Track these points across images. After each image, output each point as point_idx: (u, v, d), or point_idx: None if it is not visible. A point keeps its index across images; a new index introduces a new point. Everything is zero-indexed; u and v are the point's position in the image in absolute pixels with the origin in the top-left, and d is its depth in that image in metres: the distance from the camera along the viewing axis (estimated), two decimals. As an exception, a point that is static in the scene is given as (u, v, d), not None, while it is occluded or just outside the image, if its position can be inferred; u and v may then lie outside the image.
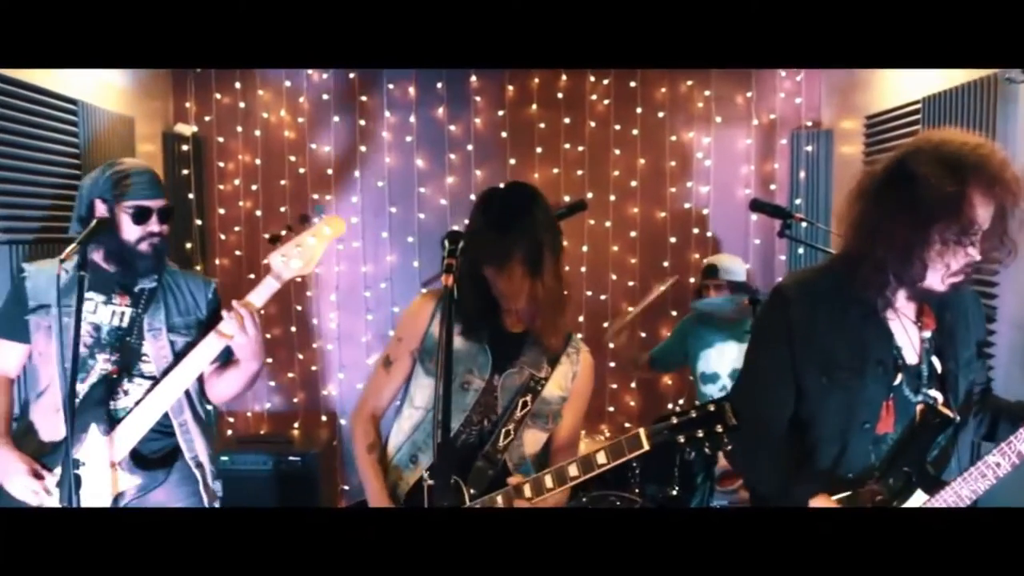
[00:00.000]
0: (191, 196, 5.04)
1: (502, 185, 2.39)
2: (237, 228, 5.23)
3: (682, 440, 1.97)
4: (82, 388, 2.61)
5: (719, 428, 1.93)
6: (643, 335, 5.14)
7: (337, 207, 5.18)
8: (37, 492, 2.56)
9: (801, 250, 4.85)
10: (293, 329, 5.28)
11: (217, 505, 2.90)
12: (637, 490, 3.86)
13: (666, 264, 5.16)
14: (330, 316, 5.29)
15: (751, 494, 2.42)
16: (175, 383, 2.64)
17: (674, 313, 5.11)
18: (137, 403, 2.64)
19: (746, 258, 5.11)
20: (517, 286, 2.23)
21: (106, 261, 2.67)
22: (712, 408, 1.94)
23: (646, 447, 2.00)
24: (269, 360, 5.26)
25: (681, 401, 5.23)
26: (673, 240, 5.18)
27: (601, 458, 2.07)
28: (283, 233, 2.64)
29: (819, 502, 2.04)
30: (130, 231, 2.64)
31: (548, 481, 2.14)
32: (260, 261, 5.05)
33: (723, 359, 4.26)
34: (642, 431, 2.01)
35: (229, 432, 5.29)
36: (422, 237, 5.20)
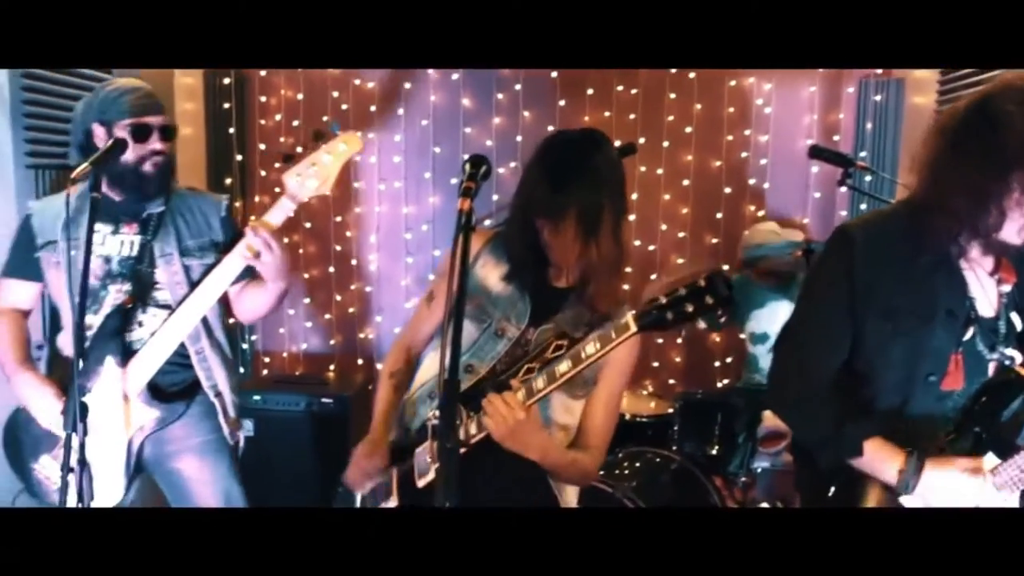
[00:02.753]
0: (231, 131, 4.94)
1: (569, 130, 2.18)
2: (278, 165, 5.08)
3: (670, 317, 1.73)
4: (95, 320, 2.54)
5: (709, 300, 1.70)
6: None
7: (380, 145, 5.05)
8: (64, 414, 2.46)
9: (864, 205, 4.60)
10: (331, 270, 5.18)
11: (242, 440, 2.81)
12: (675, 447, 3.73)
13: (719, 216, 4.95)
14: (370, 258, 5.18)
15: (797, 453, 2.25)
16: (193, 309, 2.55)
17: (726, 267, 4.89)
18: (153, 333, 2.55)
19: (804, 213, 4.92)
20: (569, 246, 2.05)
21: (110, 188, 2.57)
22: (702, 282, 1.71)
23: (633, 329, 1.79)
24: (307, 300, 5.24)
25: (730, 360, 5.04)
26: (728, 191, 4.95)
27: (590, 348, 1.87)
28: (298, 151, 2.53)
29: (875, 445, 1.90)
30: (131, 151, 2.53)
31: (540, 382, 1.94)
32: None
33: (774, 318, 4.12)
34: (629, 314, 1.80)
35: (264, 372, 5.26)
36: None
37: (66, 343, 2.62)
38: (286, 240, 5.07)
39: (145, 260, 2.57)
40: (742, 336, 4.70)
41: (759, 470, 3.59)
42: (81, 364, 2.47)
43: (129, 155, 2.52)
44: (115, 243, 2.58)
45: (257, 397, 4.47)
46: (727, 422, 3.68)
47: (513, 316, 2.18)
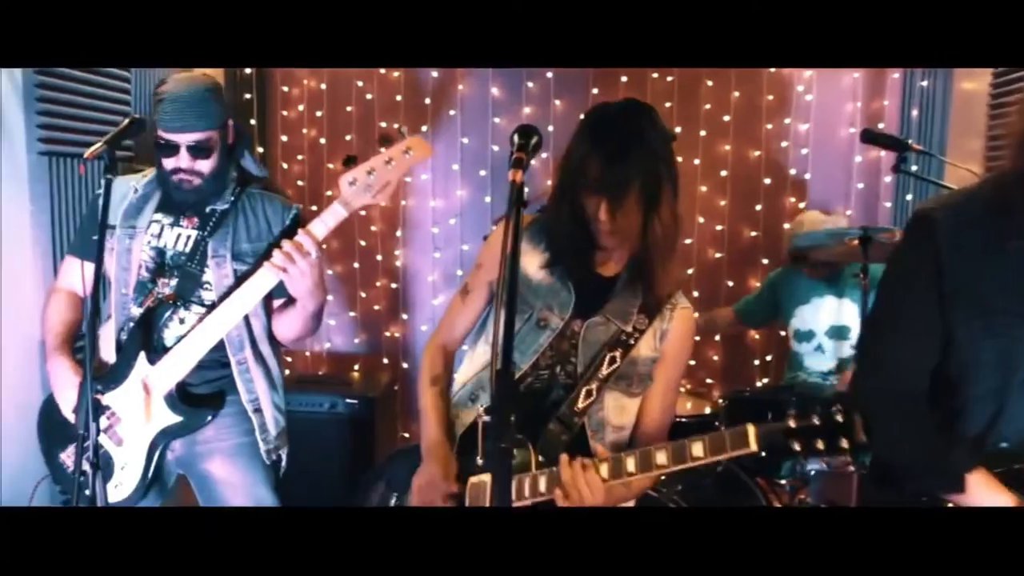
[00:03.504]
0: (253, 122, 4.80)
1: (610, 103, 2.02)
2: (300, 157, 5.00)
3: (797, 448, 1.65)
4: (137, 313, 2.43)
5: (843, 443, 1.60)
6: (729, 283, 4.76)
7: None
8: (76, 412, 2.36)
9: (910, 195, 4.41)
10: (356, 265, 5.05)
11: (283, 459, 2.64)
12: None
13: (758, 208, 4.75)
14: (395, 253, 5.04)
15: (875, 470, 2.03)
16: (225, 314, 2.40)
17: (765, 261, 4.73)
18: (186, 333, 2.42)
19: (847, 204, 4.74)
20: (626, 224, 1.89)
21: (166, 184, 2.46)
22: (839, 417, 1.61)
23: (753, 448, 1.68)
24: (330, 298, 5.04)
25: (769, 358, 4.85)
26: (767, 182, 4.76)
27: (697, 449, 1.74)
28: (357, 158, 2.35)
29: (979, 479, 1.68)
30: (163, 162, 2.41)
31: (630, 464, 1.81)
32: (324, 192, 4.91)
33: (819, 315, 3.94)
34: (751, 428, 1.69)
35: (287, 372, 5.04)
36: (495, 170, 4.86)
37: (107, 335, 2.50)
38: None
39: (196, 258, 2.45)
40: (783, 333, 4.54)
41: (812, 472, 3.39)
42: (113, 357, 2.45)
43: (166, 164, 2.42)
44: (172, 236, 2.47)
45: None
46: (777, 421, 3.46)
47: (556, 306, 2.03)
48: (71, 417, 2.39)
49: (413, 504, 2.06)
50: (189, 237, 2.46)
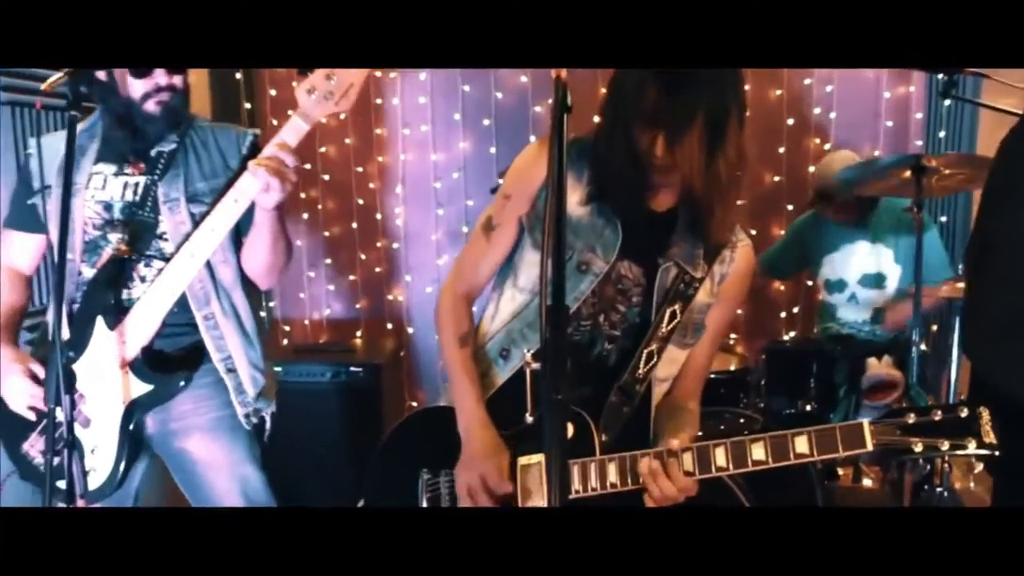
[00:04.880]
0: (238, 76, 4.53)
1: None
2: (290, 113, 4.67)
3: (919, 449, 1.49)
4: (89, 275, 2.17)
5: (971, 444, 1.45)
6: (752, 232, 4.48)
7: (403, 86, 4.62)
8: (34, 396, 2.14)
9: (943, 132, 4.13)
10: (354, 226, 4.80)
11: (268, 420, 2.39)
12: (761, 404, 3.31)
13: (781, 150, 4.46)
14: (395, 211, 4.78)
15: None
16: (187, 260, 2.13)
17: (790, 207, 4.45)
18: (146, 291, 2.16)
19: (875, 144, 4.46)
20: (686, 161, 1.63)
21: (113, 128, 2.20)
22: (964, 412, 1.46)
23: (868, 447, 1.51)
24: (328, 261, 4.86)
25: (796, 309, 4.58)
26: (790, 122, 4.45)
27: (801, 445, 1.55)
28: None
29: None
30: (132, 86, 2.14)
31: (719, 457, 1.60)
32: (317, 149, 4.63)
33: (851, 263, 3.68)
34: (866, 425, 1.51)
35: (285, 341, 4.90)
36: (499, 120, 4.59)
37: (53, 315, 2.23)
38: (303, 195, 4.71)
39: (147, 205, 2.19)
40: (810, 283, 4.27)
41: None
42: (66, 328, 2.14)
43: (131, 90, 2.15)
44: (117, 186, 2.20)
45: (278, 369, 4.02)
46: (824, 373, 3.24)
47: (599, 247, 1.77)
48: (20, 410, 2.16)
49: (461, 498, 1.80)
50: (137, 184, 2.20)
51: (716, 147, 1.63)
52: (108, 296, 2.15)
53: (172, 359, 2.21)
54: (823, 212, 3.73)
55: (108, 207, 2.18)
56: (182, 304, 2.17)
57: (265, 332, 2.41)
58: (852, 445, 1.51)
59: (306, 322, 4.95)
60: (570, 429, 1.69)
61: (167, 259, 2.16)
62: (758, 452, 1.56)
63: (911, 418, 1.49)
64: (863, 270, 3.64)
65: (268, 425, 2.39)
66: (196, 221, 2.16)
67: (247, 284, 2.30)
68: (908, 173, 2.91)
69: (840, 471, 3.74)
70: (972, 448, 1.45)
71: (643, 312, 1.80)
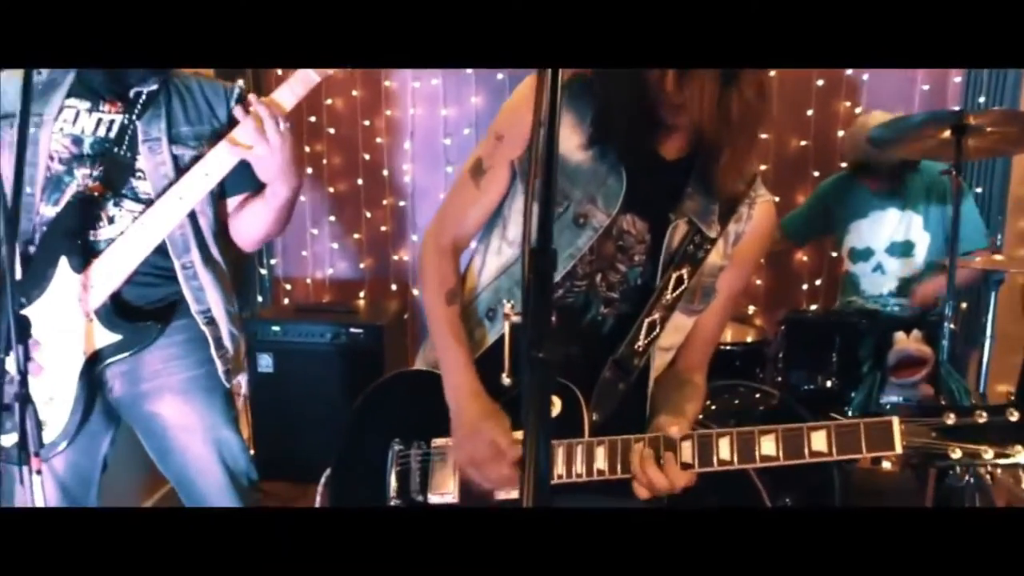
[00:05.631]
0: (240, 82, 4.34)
1: None
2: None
3: (956, 456, 1.32)
4: (50, 213, 2.00)
5: (1020, 454, 1.28)
6: (775, 199, 4.28)
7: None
8: None
9: (982, 98, 3.92)
10: (360, 182, 4.67)
11: (243, 387, 2.23)
12: (779, 379, 3.14)
13: (809, 113, 4.26)
14: (403, 168, 4.64)
15: None
16: (172, 206, 1.98)
17: (816, 174, 4.25)
18: (123, 233, 2.00)
19: (911, 107, 4.23)
20: (698, 98, 1.44)
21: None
22: (1014, 415, 1.28)
23: (897, 449, 1.33)
24: (332, 219, 4.72)
25: (819, 282, 4.39)
26: (820, 83, 4.26)
27: (819, 442, 1.37)
28: None
29: None
30: None
31: (723, 448, 1.42)
32: (323, 102, 4.47)
33: (879, 230, 3.49)
34: (895, 423, 1.33)
35: (286, 300, 4.79)
36: (513, 74, 4.33)
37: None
38: (307, 148, 4.55)
39: (124, 142, 2.03)
40: (834, 255, 4.08)
41: (888, 406, 2.98)
42: (19, 270, 1.94)
43: None
44: (90, 122, 2.04)
45: (276, 328, 3.99)
46: (847, 347, 3.06)
47: (601, 197, 1.58)
48: None
49: (468, 472, 1.61)
50: (112, 122, 2.04)
51: (731, 83, 1.43)
52: (73, 237, 1.99)
53: (143, 309, 2.07)
54: (861, 179, 3.54)
55: (78, 141, 2.02)
56: (157, 250, 2.03)
57: (252, 297, 2.25)
58: (878, 446, 1.33)
59: (308, 281, 4.84)
60: (557, 405, 1.52)
61: (141, 200, 2.02)
62: (768, 446, 1.38)
63: (950, 418, 1.31)
64: (891, 238, 3.46)
65: (243, 391, 2.23)
66: (179, 164, 2.03)
67: (223, 238, 2.17)
68: (947, 132, 2.70)
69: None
70: (1021, 458, 1.29)
71: (646, 273, 1.61)
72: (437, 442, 1.66)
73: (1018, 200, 4.02)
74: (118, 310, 2.00)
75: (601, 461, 1.48)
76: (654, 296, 1.59)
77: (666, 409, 1.58)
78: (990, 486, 2.91)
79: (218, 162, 1.97)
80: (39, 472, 1.87)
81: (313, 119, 4.53)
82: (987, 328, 3.06)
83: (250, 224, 2.13)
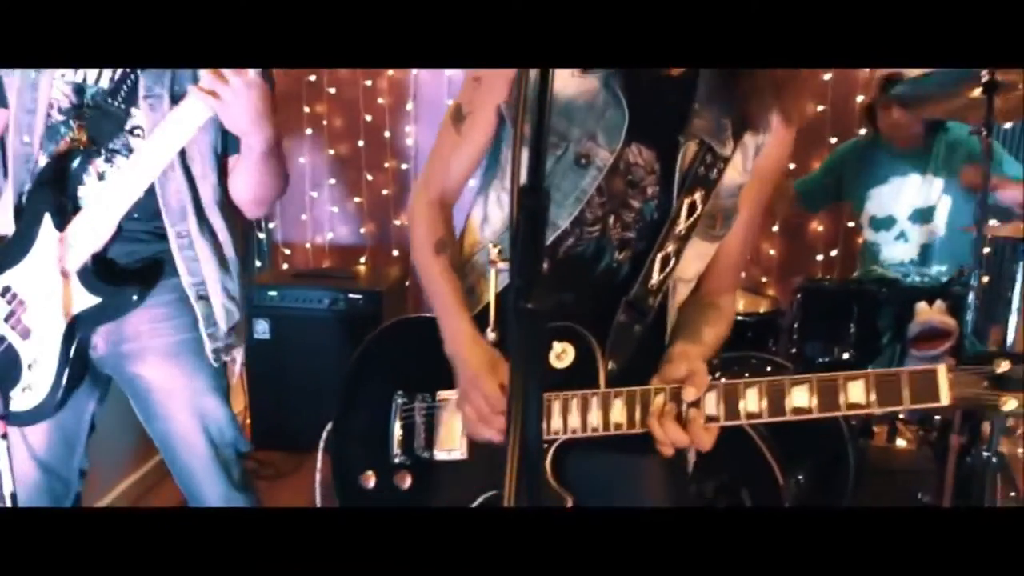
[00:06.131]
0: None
1: None
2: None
3: (1011, 407, 1.18)
4: (46, 162, 1.90)
5: None
6: (791, 166, 4.16)
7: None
8: None
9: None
10: (361, 144, 4.56)
11: (238, 366, 2.15)
12: (793, 350, 3.04)
13: (827, 77, 4.10)
14: (406, 129, 4.53)
15: None
16: (146, 160, 1.84)
17: (833, 140, 4.11)
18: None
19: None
20: None
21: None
22: None
23: (944, 401, 1.19)
24: (332, 182, 4.62)
25: (834, 252, 4.26)
26: (839, 46, 4.11)
27: (856, 393, 1.23)
28: None
29: None
30: None
31: (751, 400, 1.28)
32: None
33: (901, 197, 3.36)
34: (942, 371, 1.18)
35: (284, 265, 4.70)
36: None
37: (3, 203, 1.97)
38: (307, 109, 4.42)
39: (120, 95, 1.91)
40: (851, 224, 3.96)
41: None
42: (11, 227, 1.93)
43: None
44: (92, 71, 1.92)
45: (274, 293, 3.91)
46: (865, 318, 2.95)
47: (601, 132, 1.44)
48: None
49: (472, 430, 1.51)
50: (114, 73, 1.92)
51: None
52: (58, 192, 1.89)
53: (126, 270, 1.95)
54: (882, 139, 3.41)
55: (79, 90, 1.91)
56: (145, 209, 1.90)
57: (249, 262, 2.13)
58: (922, 397, 1.19)
59: (307, 245, 4.75)
60: (570, 354, 1.41)
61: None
62: (800, 397, 1.24)
63: (1002, 366, 1.17)
64: (914, 204, 3.35)
65: (238, 367, 2.14)
66: None
67: (229, 207, 2.03)
68: (978, 91, 2.57)
69: (875, 428, 3.46)
70: None
71: (662, 204, 1.48)
72: (443, 394, 1.56)
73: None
74: (100, 271, 1.90)
75: (619, 414, 1.37)
76: (664, 229, 1.46)
77: (684, 335, 1.47)
78: (1009, 466, 2.81)
79: (185, 114, 1.81)
80: (4, 436, 1.79)
81: (313, 79, 4.43)
82: (1014, 301, 2.93)
83: (236, 184, 1.99)
